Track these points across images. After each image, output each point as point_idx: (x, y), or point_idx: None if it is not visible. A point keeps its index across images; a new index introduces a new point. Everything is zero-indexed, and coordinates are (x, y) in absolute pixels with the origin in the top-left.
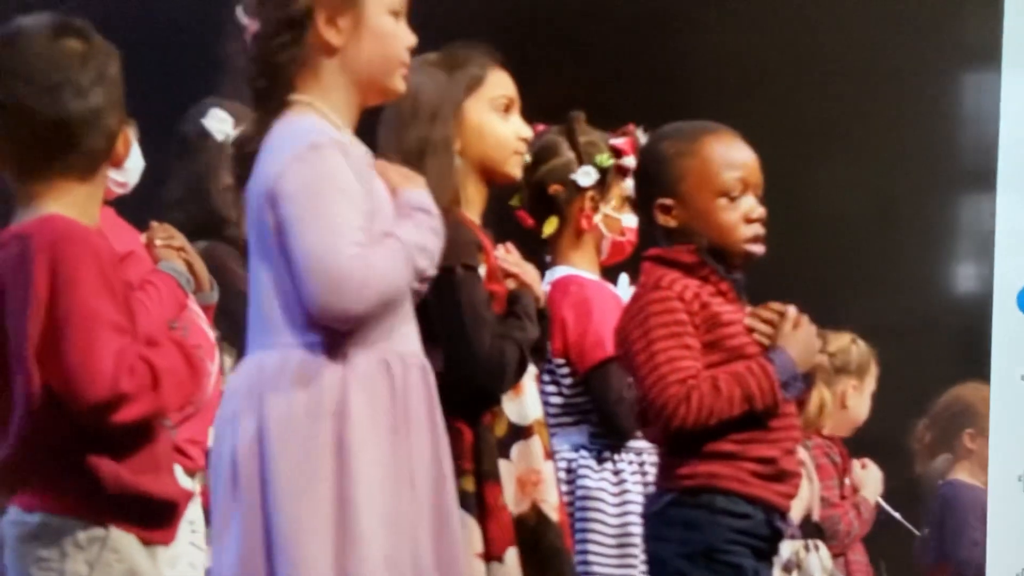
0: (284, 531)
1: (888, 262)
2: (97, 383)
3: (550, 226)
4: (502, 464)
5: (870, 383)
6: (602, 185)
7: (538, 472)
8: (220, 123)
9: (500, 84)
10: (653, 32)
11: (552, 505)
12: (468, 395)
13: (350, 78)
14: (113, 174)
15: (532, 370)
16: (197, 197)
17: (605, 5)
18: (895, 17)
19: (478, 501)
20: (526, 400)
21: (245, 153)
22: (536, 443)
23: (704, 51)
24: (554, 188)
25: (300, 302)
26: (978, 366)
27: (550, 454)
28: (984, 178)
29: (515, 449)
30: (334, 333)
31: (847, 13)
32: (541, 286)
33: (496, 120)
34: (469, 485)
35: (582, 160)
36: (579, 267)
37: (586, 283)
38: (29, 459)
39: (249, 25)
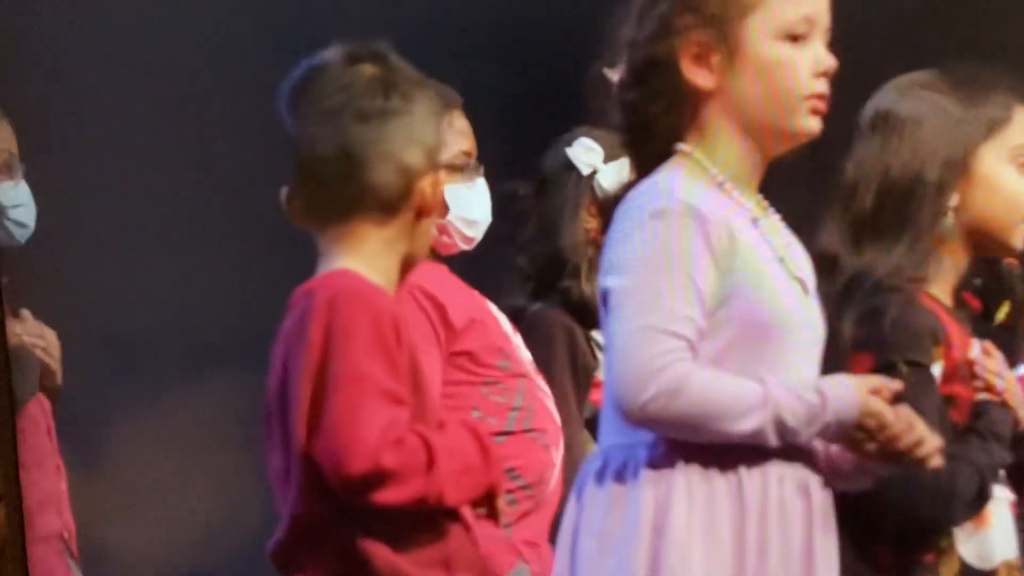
0: None
1: None
2: (356, 454)
3: (1002, 311)
4: None
5: None
6: None
7: None
8: (587, 154)
9: None
10: None
11: None
12: (903, 525)
13: (736, 123)
14: (461, 226)
15: (1008, 496)
16: (546, 238)
17: None
18: None
19: None
20: (992, 536)
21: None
22: None
23: None
24: (1009, 261)
25: None
26: None
27: None
28: None
29: None
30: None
31: None
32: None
33: (1013, 176)
34: None
35: None
36: None
37: None
38: (303, 538)
39: (617, 71)
